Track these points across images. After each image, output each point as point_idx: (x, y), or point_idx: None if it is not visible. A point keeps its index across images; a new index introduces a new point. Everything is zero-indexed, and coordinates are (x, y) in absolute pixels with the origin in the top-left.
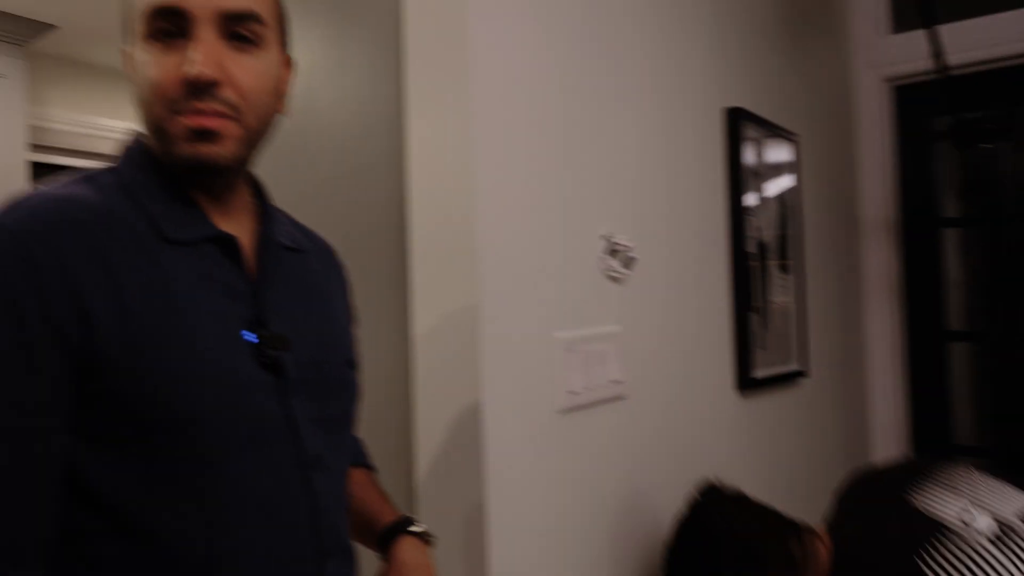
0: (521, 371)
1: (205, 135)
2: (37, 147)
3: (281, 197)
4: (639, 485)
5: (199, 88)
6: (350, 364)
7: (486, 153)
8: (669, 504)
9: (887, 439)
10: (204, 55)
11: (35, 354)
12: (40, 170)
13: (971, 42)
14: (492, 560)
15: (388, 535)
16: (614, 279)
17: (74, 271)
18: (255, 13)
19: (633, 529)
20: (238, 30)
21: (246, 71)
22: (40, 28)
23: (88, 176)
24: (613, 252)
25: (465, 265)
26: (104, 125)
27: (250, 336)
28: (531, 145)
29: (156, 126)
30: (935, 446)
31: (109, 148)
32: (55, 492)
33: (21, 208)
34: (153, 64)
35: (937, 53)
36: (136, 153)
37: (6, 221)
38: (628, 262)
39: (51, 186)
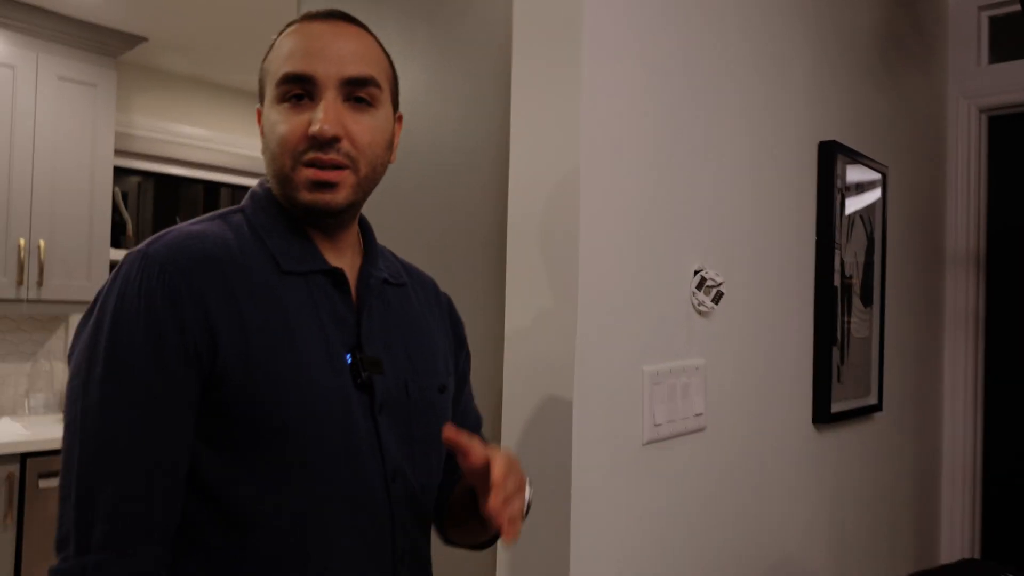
0: (611, 403)
1: (324, 185)
2: (120, 152)
3: (387, 223)
4: (715, 517)
5: (323, 142)
6: (441, 389)
7: (589, 186)
8: (744, 535)
9: (957, 476)
10: (328, 115)
11: (172, 369)
12: (121, 173)
13: None
14: None
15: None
16: (702, 313)
17: (204, 299)
18: (372, 78)
19: (710, 560)
20: (358, 94)
21: (363, 128)
22: (131, 40)
23: (221, 214)
24: (702, 286)
25: (566, 299)
26: (182, 132)
27: (348, 358)
28: (632, 179)
29: (283, 175)
30: (1008, 487)
31: (185, 154)
32: (179, 486)
33: (165, 242)
34: (283, 122)
35: None
36: (261, 196)
37: (152, 253)
38: (717, 297)
39: (190, 223)
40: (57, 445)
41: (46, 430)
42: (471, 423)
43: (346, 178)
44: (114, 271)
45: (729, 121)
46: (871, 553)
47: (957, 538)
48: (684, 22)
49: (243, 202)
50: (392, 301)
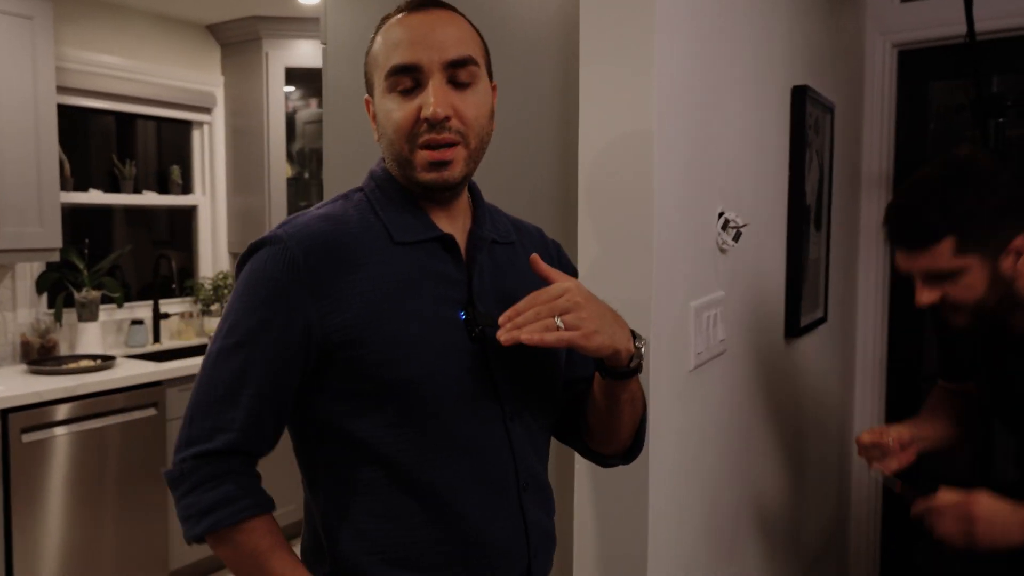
0: (670, 337)
1: (440, 164)
2: (61, 89)
3: None
4: (733, 431)
5: (435, 123)
6: None
7: (661, 148)
8: (748, 444)
9: (868, 367)
10: (437, 98)
11: (283, 334)
12: (65, 112)
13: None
14: (650, 497)
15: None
16: (723, 251)
17: (320, 274)
18: (470, 57)
19: (728, 468)
20: (459, 74)
21: (468, 104)
22: None
23: (344, 195)
24: (726, 226)
25: (643, 248)
26: (121, 65)
27: (462, 315)
28: (682, 136)
29: (401, 158)
30: (905, 373)
31: (127, 89)
32: (271, 421)
33: (292, 224)
34: (397, 109)
35: (969, 22)
36: (379, 175)
37: (281, 235)
38: (737, 235)
39: (317, 206)
40: (34, 399)
41: (17, 384)
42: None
43: (458, 153)
44: (252, 249)
45: (735, 72)
46: (818, 448)
47: (867, 419)
48: None
49: (363, 181)
50: (501, 259)
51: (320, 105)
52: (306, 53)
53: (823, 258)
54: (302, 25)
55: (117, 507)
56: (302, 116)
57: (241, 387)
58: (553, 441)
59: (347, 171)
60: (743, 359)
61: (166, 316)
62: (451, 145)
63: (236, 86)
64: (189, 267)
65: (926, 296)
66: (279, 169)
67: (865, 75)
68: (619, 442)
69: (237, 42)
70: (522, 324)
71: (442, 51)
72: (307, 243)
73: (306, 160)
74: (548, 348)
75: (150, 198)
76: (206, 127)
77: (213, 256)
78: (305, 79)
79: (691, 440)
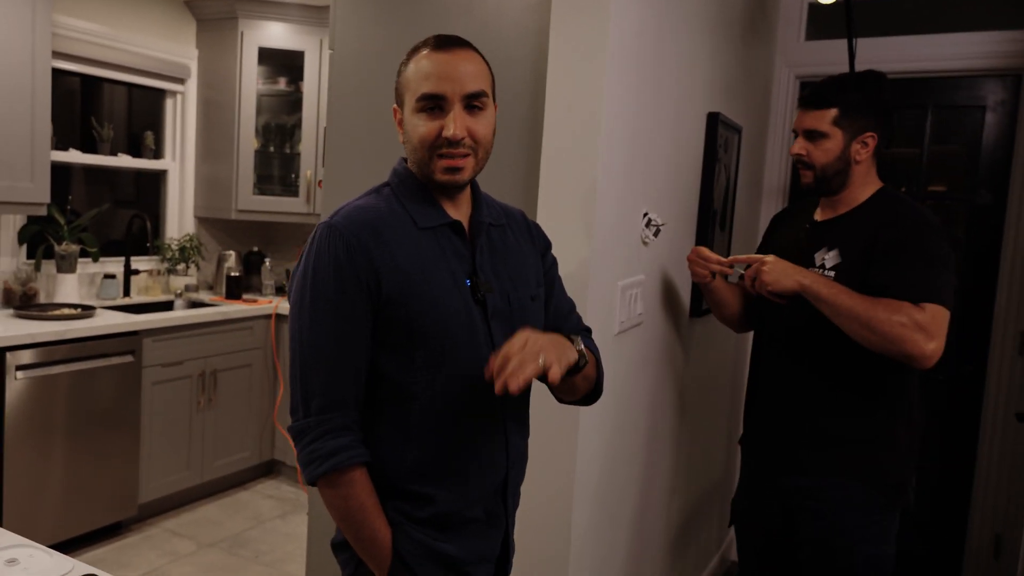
0: (602, 307)
1: (454, 169)
2: (57, 54)
3: None
4: (658, 375)
5: (452, 142)
6: (533, 299)
7: (606, 160)
8: (658, 402)
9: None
10: (456, 123)
11: (354, 298)
12: (59, 76)
13: (876, 57)
14: (578, 444)
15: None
16: (645, 243)
17: (371, 252)
18: (483, 91)
19: (653, 406)
20: (474, 103)
21: (479, 126)
22: None
23: (376, 189)
24: (649, 224)
25: (586, 235)
26: (99, 32)
27: (468, 283)
28: (618, 148)
29: (423, 162)
30: None
31: (105, 55)
32: (362, 372)
33: (342, 215)
34: (423, 126)
35: (851, 58)
36: (401, 172)
37: (335, 223)
38: (657, 232)
39: (356, 199)
40: (29, 340)
41: (10, 327)
42: (564, 310)
43: (468, 162)
44: (313, 237)
45: (662, 99)
46: (712, 407)
47: None
48: (652, 30)
49: (389, 178)
50: (495, 239)
51: (288, 84)
52: (278, 35)
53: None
54: (278, 9)
55: (94, 445)
56: (263, 91)
57: (343, 349)
58: None
59: (349, 160)
60: (656, 330)
61: (136, 272)
62: (464, 156)
63: (210, 60)
64: (154, 228)
65: (798, 147)
66: (248, 142)
67: (771, 102)
68: (578, 394)
69: (213, 19)
70: (511, 373)
71: (462, 85)
72: (353, 226)
73: (271, 134)
74: (532, 312)
75: (125, 160)
76: (179, 96)
77: (179, 219)
78: (274, 59)
79: (615, 388)
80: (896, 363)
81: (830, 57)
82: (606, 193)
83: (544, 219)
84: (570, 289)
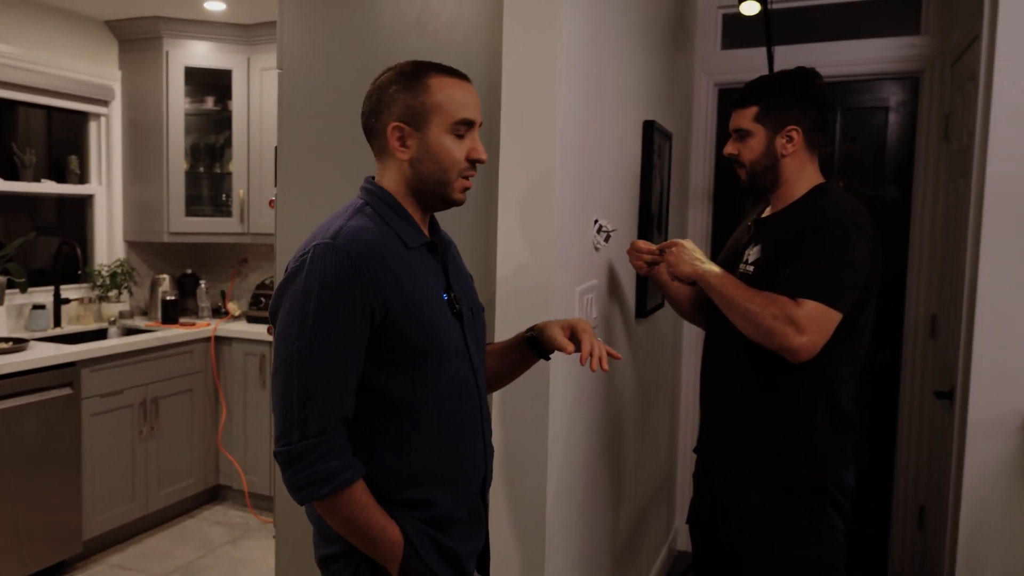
0: (562, 311)
1: (467, 190)
2: None
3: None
4: (612, 376)
5: (474, 164)
6: (482, 310)
7: (562, 171)
8: (614, 400)
9: (693, 345)
10: (482, 148)
11: (360, 321)
12: None
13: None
14: (549, 422)
15: (529, 333)
16: (597, 249)
17: (379, 275)
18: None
19: (609, 405)
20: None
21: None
22: None
23: (358, 208)
24: (600, 231)
25: (547, 249)
26: (14, 54)
27: (445, 297)
28: (572, 166)
29: (445, 181)
30: None
31: (21, 78)
32: (354, 391)
33: (343, 236)
34: (456, 148)
35: (770, 64)
36: (376, 193)
37: (338, 245)
38: (607, 237)
39: (346, 219)
40: None
41: None
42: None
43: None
44: (311, 257)
45: (606, 112)
46: (657, 403)
47: (691, 382)
48: (597, 43)
49: (363, 196)
50: (450, 256)
51: (216, 103)
52: (204, 54)
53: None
54: (203, 28)
55: (33, 483)
56: (190, 111)
57: (344, 370)
58: None
59: (303, 179)
60: (610, 333)
61: (67, 301)
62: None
63: (134, 81)
64: (83, 254)
65: (729, 147)
66: (177, 163)
67: (693, 109)
68: (501, 386)
69: (136, 39)
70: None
71: (479, 114)
72: (359, 248)
73: (199, 154)
74: (482, 321)
75: (49, 186)
76: (103, 119)
77: (108, 244)
78: (201, 78)
79: (577, 390)
80: (818, 362)
81: (746, 65)
82: (563, 202)
83: (505, 229)
84: (534, 296)
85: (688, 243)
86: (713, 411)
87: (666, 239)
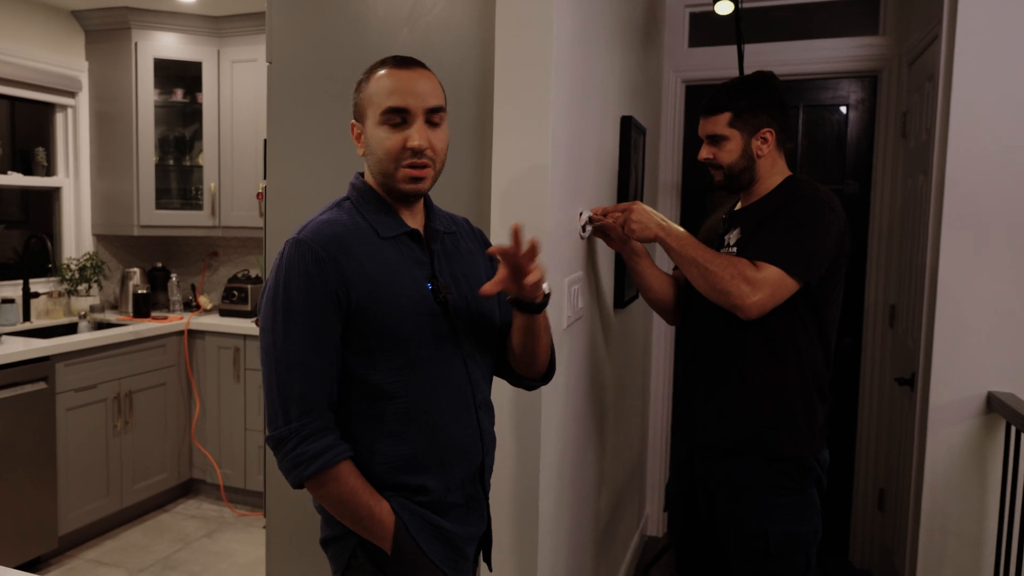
0: (552, 303)
1: (416, 179)
2: None
3: None
4: (595, 366)
5: (417, 152)
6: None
7: (554, 165)
8: (597, 388)
9: (662, 334)
10: (420, 135)
11: (324, 308)
12: None
13: (755, 61)
14: (542, 413)
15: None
16: (581, 239)
17: (340, 263)
18: (442, 107)
19: (594, 390)
20: (433, 118)
21: (438, 139)
22: None
23: (336, 203)
24: (585, 224)
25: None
26: (2, 48)
27: (429, 286)
28: (562, 163)
29: (388, 173)
30: None
31: (3, 71)
32: (336, 377)
33: (309, 229)
34: (388, 139)
35: (740, 62)
36: (359, 187)
37: (303, 238)
38: (586, 227)
39: (319, 213)
40: None
41: None
42: (505, 306)
43: (428, 172)
44: (283, 252)
45: (589, 109)
46: (631, 390)
47: (661, 367)
48: (583, 39)
49: (348, 192)
50: (449, 245)
51: (185, 95)
52: (173, 45)
53: None
54: (173, 19)
55: (7, 478)
56: (159, 103)
57: (318, 356)
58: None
59: (293, 171)
60: (594, 323)
61: (36, 295)
62: (424, 166)
63: (102, 73)
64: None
65: (704, 153)
66: (147, 155)
67: (662, 105)
68: (539, 365)
69: (103, 30)
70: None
71: (424, 100)
72: (321, 240)
73: (168, 147)
74: (488, 308)
75: (15, 179)
76: (70, 110)
77: (76, 237)
78: (170, 69)
79: (567, 377)
80: (794, 339)
81: (711, 63)
82: (555, 194)
83: (498, 222)
84: None
85: (640, 206)
86: (696, 393)
87: None
